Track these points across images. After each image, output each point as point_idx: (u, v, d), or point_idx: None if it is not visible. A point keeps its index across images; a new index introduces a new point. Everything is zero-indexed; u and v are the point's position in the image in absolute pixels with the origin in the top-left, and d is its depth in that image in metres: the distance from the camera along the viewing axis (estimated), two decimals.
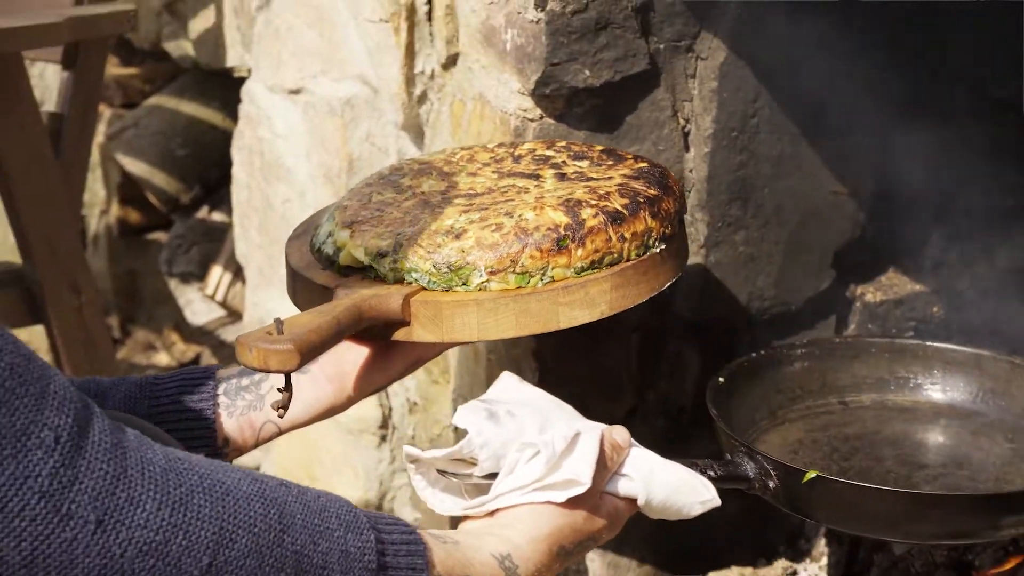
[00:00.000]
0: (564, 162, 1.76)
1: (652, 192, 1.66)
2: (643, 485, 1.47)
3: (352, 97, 2.33)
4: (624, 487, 1.47)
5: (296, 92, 2.46)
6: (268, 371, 1.43)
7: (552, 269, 1.57)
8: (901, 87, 2.04)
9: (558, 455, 1.41)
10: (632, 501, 1.47)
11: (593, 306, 1.57)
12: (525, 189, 1.69)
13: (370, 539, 1.20)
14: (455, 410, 2.17)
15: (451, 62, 2.14)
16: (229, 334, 3.16)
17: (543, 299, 1.55)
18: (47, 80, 3.48)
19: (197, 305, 3.23)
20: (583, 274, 1.58)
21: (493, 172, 1.76)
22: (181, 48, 3.13)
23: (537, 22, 1.85)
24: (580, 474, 1.41)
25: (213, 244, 3.22)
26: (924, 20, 2.04)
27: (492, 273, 1.56)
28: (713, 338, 2.06)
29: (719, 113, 1.96)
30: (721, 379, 1.85)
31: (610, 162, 1.75)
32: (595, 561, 2.05)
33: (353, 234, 1.64)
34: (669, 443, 2.07)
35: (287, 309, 1.63)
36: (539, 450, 1.41)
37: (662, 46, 1.92)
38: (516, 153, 1.81)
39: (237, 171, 2.67)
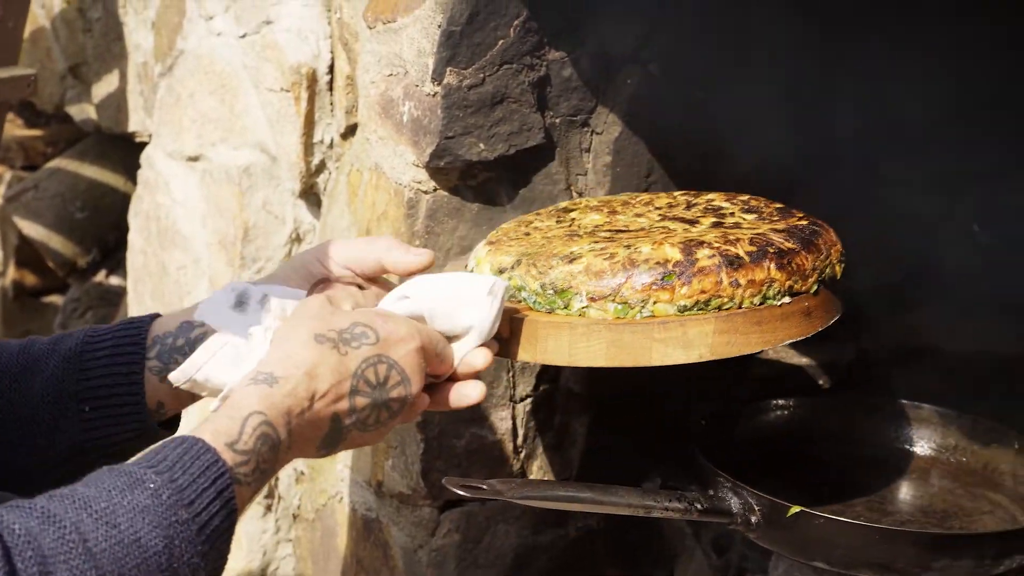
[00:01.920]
0: (732, 213, 1.74)
1: (788, 245, 1.61)
2: (422, 297, 1.46)
3: (250, 165, 2.33)
4: (406, 308, 1.46)
5: (195, 159, 2.45)
6: None
7: (653, 304, 1.55)
8: (790, 162, 2.08)
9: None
10: (420, 318, 1.45)
11: (690, 347, 1.53)
12: (673, 232, 1.67)
13: (150, 477, 1.17)
14: (345, 480, 2.16)
15: (350, 132, 2.15)
16: None
17: (637, 331, 1.53)
18: None
19: None
20: (685, 313, 1.55)
21: (658, 215, 1.75)
22: (84, 112, 3.11)
23: (434, 95, 1.86)
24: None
25: (109, 308, 3.18)
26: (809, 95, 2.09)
27: (592, 300, 1.55)
28: (601, 411, 2.07)
29: (612, 187, 1.98)
30: (703, 421, 1.91)
31: (776, 217, 1.72)
32: None
33: (490, 251, 1.66)
34: (556, 514, 2.07)
35: None
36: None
37: (558, 120, 1.94)
38: (694, 201, 1.80)
39: (134, 237, 2.65)
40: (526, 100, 1.90)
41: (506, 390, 1.99)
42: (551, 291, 1.58)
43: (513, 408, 2.01)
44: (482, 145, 1.89)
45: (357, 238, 1.86)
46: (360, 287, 1.55)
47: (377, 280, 1.59)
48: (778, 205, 1.77)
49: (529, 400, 2.02)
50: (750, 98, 2.02)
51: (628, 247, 1.58)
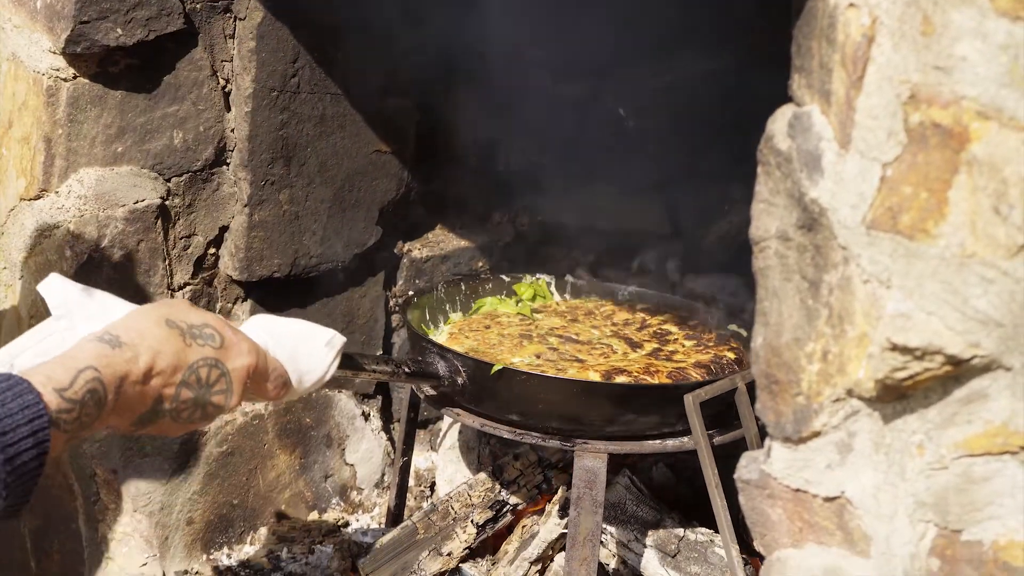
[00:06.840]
0: (676, 338, 1.96)
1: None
2: (267, 333, 1.51)
3: None
4: (254, 334, 1.50)
5: None
6: None
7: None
8: (447, 48, 2.12)
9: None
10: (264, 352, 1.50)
11: None
12: (614, 350, 1.90)
13: None
14: None
15: None
16: None
17: None
18: None
19: None
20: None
21: (611, 330, 1.97)
22: None
23: None
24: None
25: None
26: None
27: None
28: (261, 295, 2.09)
29: (258, 72, 1.98)
30: (412, 294, 2.03)
31: (711, 344, 1.94)
32: (143, 522, 2.04)
33: (447, 342, 1.90)
34: None
35: None
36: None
37: (198, 5, 1.92)
38: (648, 321, 2.02)
39: None
40: None
41: (163, 279, 1.99)
42: None
43: (171, 296, 2.01)
44: (120, 30, 1.86)
45: None
46: None
47: None
48: (717, 333, 1.99)
49: (188, 288, 2.03)
50: None
51: (559, 371, 1.79)
